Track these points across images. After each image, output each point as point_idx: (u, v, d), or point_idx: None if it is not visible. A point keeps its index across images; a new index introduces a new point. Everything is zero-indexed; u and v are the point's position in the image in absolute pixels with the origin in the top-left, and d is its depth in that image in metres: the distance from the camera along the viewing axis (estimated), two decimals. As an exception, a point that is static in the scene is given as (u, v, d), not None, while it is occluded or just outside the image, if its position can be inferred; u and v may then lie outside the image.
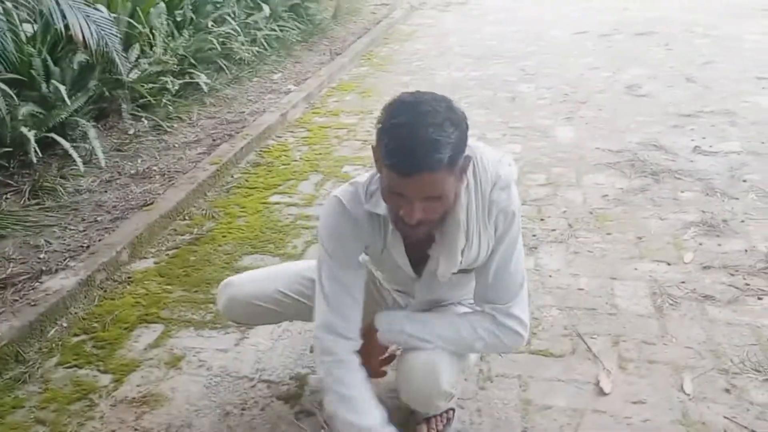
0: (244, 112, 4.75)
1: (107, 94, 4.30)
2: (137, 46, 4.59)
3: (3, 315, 2.39)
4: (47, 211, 3.22)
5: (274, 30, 6.53)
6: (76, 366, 2.27)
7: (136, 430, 2.00)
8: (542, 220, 3.11)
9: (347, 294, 1.55)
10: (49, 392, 2.16)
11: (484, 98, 4.95)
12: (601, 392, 2.06)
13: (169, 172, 3.66)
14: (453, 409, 1.94)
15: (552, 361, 2.21)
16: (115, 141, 4.13)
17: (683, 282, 2.59)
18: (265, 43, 6.24)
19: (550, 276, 2.69)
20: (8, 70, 3.67)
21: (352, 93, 5.33)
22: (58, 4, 3.52)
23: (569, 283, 2.63)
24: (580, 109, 4.62)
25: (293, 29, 6.88)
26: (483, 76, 5.52)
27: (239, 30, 5.81)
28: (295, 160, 3.95)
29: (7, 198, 3.31)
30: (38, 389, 2.17)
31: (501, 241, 1.52)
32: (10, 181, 3.42)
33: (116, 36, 3.93)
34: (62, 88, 3.65)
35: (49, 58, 3.93)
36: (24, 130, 3.41)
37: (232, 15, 5.89)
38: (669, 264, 2.72)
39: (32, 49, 3.91)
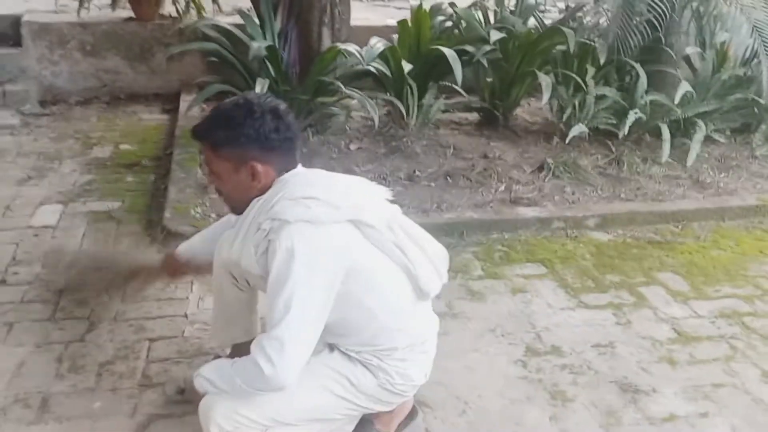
0: None
1: (755, 110, 4.43)
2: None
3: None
4: (616, 180, 3.86)
5: None
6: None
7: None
8: None
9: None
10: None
11: None
12: None
13: (716, 186, 3.83)
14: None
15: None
16: (727, 154, 4.30)
17: None
18: None
19: None
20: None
21: None
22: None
23: None
24: None
25: None
26: None
27: None
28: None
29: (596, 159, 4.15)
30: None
31: (272, 268, 1.50)
32: (604, 151, 4.21)
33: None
34: (642, 86, 4.19)
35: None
36: (632, 112, 4.09)
37: None
38: None
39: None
